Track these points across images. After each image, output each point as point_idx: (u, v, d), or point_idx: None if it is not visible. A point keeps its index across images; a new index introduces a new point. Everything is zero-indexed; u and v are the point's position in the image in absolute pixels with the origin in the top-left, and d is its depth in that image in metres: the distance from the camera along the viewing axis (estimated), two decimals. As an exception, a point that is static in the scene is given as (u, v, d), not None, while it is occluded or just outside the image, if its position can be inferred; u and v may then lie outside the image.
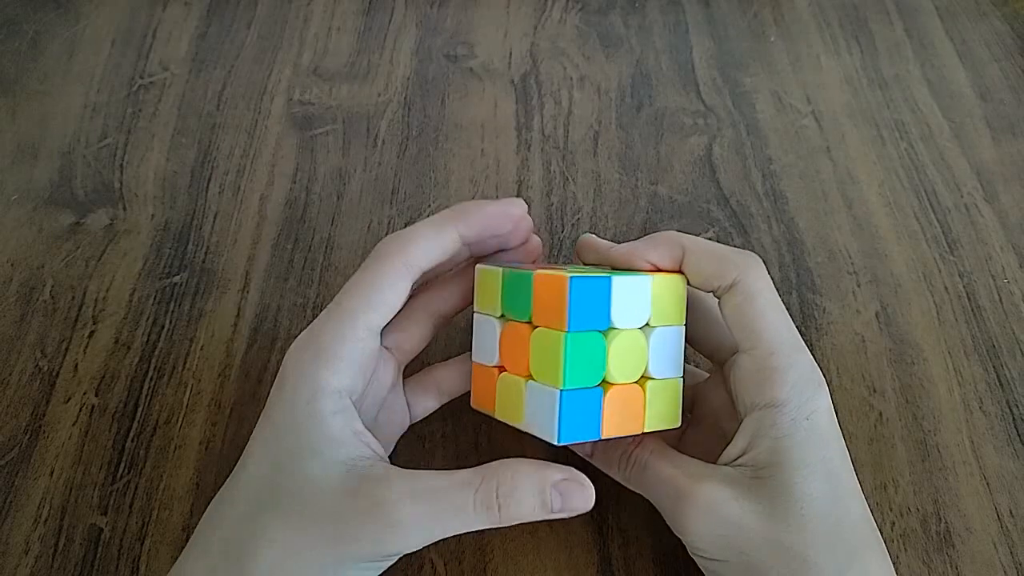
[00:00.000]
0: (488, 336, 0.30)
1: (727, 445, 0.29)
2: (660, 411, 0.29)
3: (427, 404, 0.32)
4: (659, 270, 0.30)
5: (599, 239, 0.32)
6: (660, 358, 0.29)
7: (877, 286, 0.41)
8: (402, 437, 0.32)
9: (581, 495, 0.26)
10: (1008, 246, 0.43)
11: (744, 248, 0.41)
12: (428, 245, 0.28)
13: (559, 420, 0.27)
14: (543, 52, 0.50)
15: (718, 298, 0.29)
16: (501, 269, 0.30)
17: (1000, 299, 0.40)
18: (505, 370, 0.30)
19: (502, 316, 0.30)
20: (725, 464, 0.28)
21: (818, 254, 0.42)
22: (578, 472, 0.27)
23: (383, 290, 0.28)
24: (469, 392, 0.32)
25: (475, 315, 0.31)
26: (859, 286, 0.41)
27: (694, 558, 0.29)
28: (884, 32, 0.53)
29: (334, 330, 0.27)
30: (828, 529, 0.26)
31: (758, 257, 0.29)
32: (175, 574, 0.26)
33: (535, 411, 0.28)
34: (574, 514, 0.26)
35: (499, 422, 0.30)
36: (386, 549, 0.26)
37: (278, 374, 0.28)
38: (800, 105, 0.49)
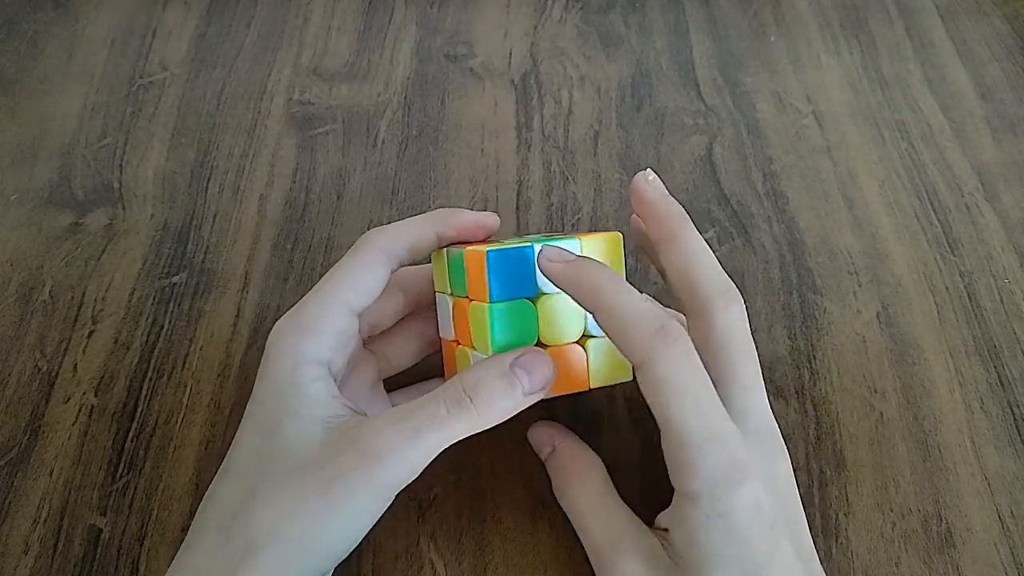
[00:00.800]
0: (444, 312, 0.32)
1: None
2: (605, 367, 0.30)
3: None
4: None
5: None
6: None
7: (878, 286, 0.41)
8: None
9: (543, 362, 0.27)
10: (1009, 246, 0.42)
11: (745, 248, 0.41)
12: (407, 238, 0.30)
13: None
14: (543, 52, 0.50)
15: None
16: (446, 250, 0.31)
17: (1001, 299, 0.40)
18: (459, 343, 0.31)
19: (451, 294, 0.31)
20: (657, 528, 0.29)
21: (819, 254, 0.42)
22: (533, 347, 0.28)
23: (362, 273, 0.30)
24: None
25: (436, 294, 0.33)
26: (860, 286, 0.41)
27: None
28: (884, 32, 0.53)
29: (314, 306, 0.29)
30: None
31: (679, 322, 0.27)
32: (176, 564, 0.26)
33: None
34: (545, 388, 0.27)
35: None
36: (374, 480, 0.25)
37: (263, 354, 0.29)
38: (801, 105, 0.49)
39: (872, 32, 0.53)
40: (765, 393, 0.28)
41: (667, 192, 0.30)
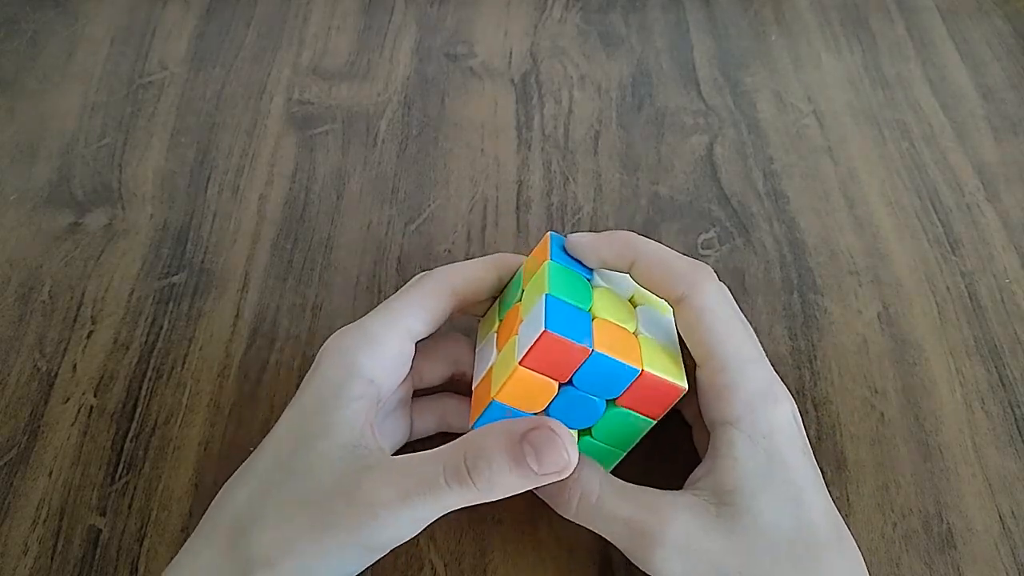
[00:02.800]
0: (486, 358, 0.30)
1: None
2: (662, 363, 0.28)
3: (427, 425, 0.33)
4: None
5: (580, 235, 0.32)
6: (650, 326, 0.30)
7: (879, 286, 0.40)
8: (402, 448, 0.32)
9: (556, 447, 0.24)
10: (1010, 246, 0.42)
11: (745, 248, 0.41)
12: (473, 279, 0.31)
13: (545, 311, 0.27)
14: (543, 51, 0.50)
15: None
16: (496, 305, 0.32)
17: (1002, 299, 0.40)
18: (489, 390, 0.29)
19: (499, 320, 0.31)
20: (691, 487, 0.28)
21: (819, 254, 0.42)
22: (549, 419, 0.25)
23: (432, 303, 0.30)
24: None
25: (476, 349, 0.32)
26: (861, 286, 0.40)
27: None
28: (885, 31, 0.53)
29: (380, 321, 0.29)
30: (796, 554, 0.26)
31: (710, 269, 0.29)
32: (184, 553, 0.26)
33: (526, 328, 0.28)
34: (555, 473, 0.24)
35: None
36: (363, 538, 0.25)
37: (315, 359, 0.29)
38: (801, 104, 0.48)
39: (873, 31, 0.53)
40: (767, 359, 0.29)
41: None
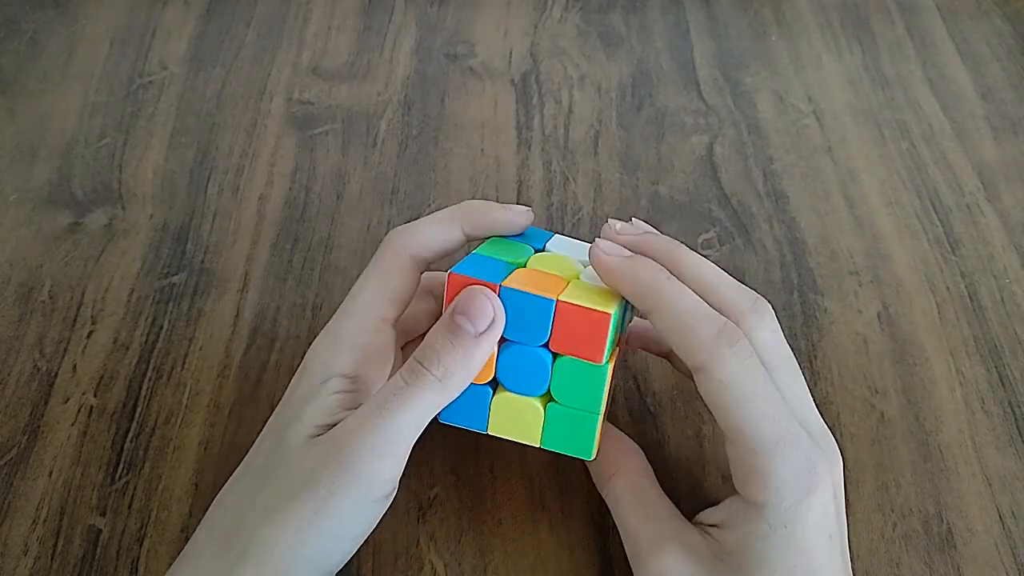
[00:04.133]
0: None
1: (709, 508, 0.28)
2: (586, 295, 0.27)
3: None
4: None
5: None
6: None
7: (879, 286, 0.40)
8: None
9: (478, 297, 0.25)
10: (1010, 246, 0.42)
11: (745, 248, 0.41)
12: (434, 240, 0.29)
13: (462, 263, 0.27)
14: (543, 51, 0.50)
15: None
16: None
17: (1002, 299, 0.40)
18: None
19: None
20: (701, 523, 0.28)
21: (820, 254, 0.42)
22: (474, 287, 0.26)
23: (394, 284, 0.29)
24: None
25: None
26: (861, 286, 0.40)
27: None
28: (885, 31, 0.53)
29: (350, 323, 0.29)
30: None
31: (735, 327, 0.26)
32: (182, 558, 0.26)
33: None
34: (491, 326, 0.25)
35: None
36: (351, 473, 0.25)
37: (298, 369, 0.29)
38: (801, 104, 0.48)
39: (873, 31, 0.53)
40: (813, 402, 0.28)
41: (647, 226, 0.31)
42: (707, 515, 0.28)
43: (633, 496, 0.29)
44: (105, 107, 0.46)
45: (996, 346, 0.39)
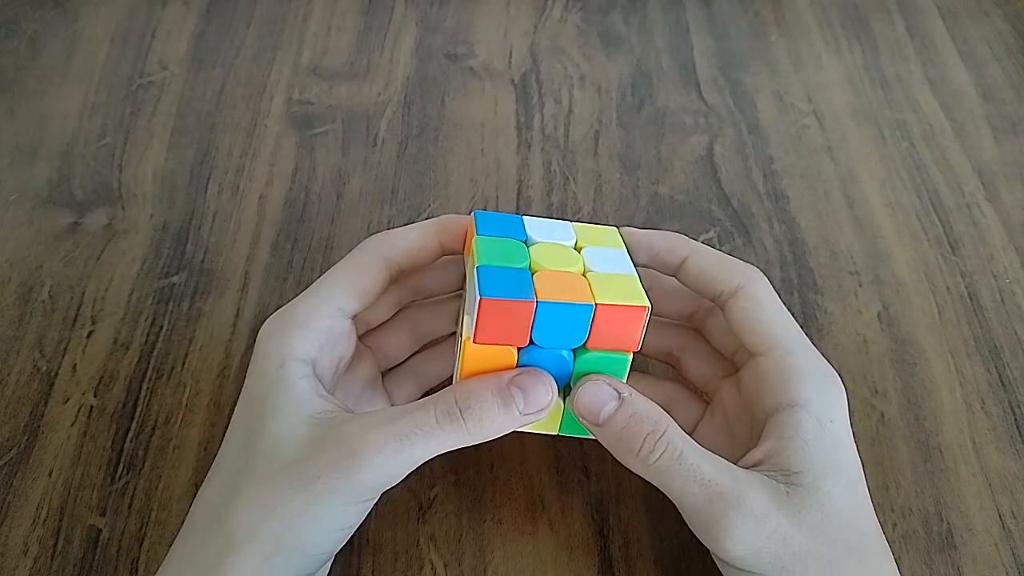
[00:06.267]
0: (457, 349, 0.30)
1: (746, 450, 0.28)
2: (617, 291, 0.27)
3: (409, 391, 0.33)
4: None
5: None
6: (600, 263, 0.29)
7: (879, 286, 0.40)
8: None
9: (541, 385, 0.26)
10: (1010, 246, 0.42)
11: (745, 248, 0.41)
12: (410, 247, 0.30)
13: (479, 281, 0.26)
14: (543, 51, 0.50)
15: (720, 305, 0.30)
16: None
17: (1002, 299, 0.40)
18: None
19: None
20: (749, 467, 0.27)
21: (820, 254, 0.42)
22: (535, 369, 0.27)
23: (359, 277, 0.29)
24: (450, 379, 0.32)
25: (464, 301, 0.31)
26: (861, 286, 0.40)
27: (721, 567, 0.28)
28: (885, 31, 0.53)
29: (306, 305, 0.29)
30: (854, 541, 0.26)
31: (758, 269, 0.30)
32: (167, 559, 0.26)
33: (471, 306, 0.27)
34: (537, 412, 0.26)
35: None
36: (356, 480, 0.25)
37: (253, 351, 0.29)
38: (801, 104, 0.48)
39: (873, 32, 0.53)
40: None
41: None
42: (752, 455, 0.28)
43: (696, 448, 0.27)
44: (105, 107, 0.46)
45: (996, 346, 0.39)
